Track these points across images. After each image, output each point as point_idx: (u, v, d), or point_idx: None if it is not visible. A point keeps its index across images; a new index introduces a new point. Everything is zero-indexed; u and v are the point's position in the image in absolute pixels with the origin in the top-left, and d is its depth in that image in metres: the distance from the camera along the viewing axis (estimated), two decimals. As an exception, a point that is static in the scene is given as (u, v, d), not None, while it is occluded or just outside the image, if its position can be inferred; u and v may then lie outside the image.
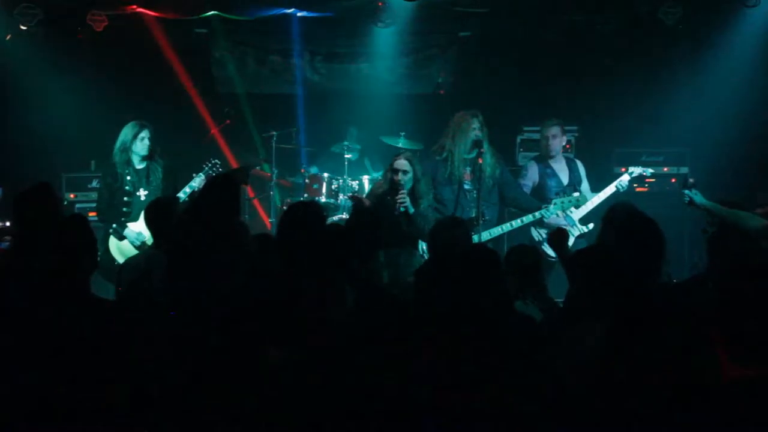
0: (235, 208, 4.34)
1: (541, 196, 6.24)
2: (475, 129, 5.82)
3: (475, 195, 5.81)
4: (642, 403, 2.31)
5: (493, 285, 3.13)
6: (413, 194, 5.68)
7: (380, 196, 5.81)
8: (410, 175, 5.69)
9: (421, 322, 2.83)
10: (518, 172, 6.73)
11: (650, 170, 6.49)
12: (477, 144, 5.78)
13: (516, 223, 5.97)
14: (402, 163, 5.72)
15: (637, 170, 6.35)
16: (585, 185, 6.49)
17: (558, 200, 5.93)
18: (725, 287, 2.44)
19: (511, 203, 6.17)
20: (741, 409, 2.18)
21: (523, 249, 4.40)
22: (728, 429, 2.19)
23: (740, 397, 2.20)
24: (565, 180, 6.38)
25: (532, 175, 6.42)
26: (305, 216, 3.81)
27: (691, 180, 5.27)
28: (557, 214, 6.02)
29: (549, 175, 6.39)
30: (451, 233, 4.28)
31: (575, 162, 6.59)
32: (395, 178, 5.69)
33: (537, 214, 5.92)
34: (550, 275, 6.29)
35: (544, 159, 6.50)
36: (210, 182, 4.58)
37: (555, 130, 6.39)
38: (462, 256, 3.24)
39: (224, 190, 4.34)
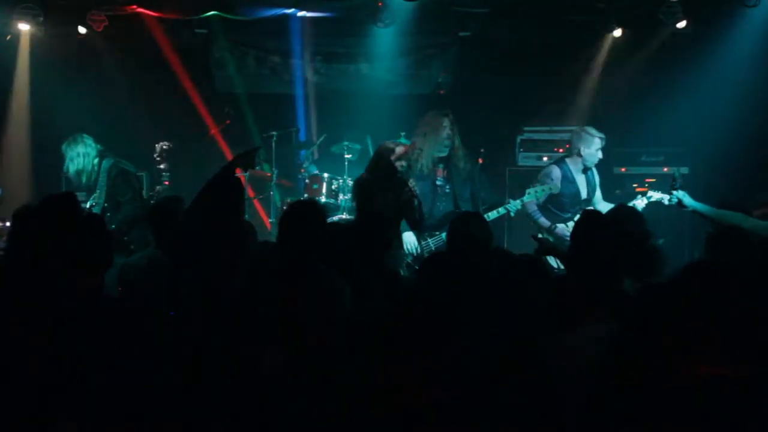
0: (235, 208, 4.33)
1: (557, 203, 6.10)
2: (446, 127, 5.93)
3: (447, 190, 5.99)
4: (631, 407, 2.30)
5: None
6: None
7: (384, 187, 5.68)
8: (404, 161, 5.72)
9: (423, 322, 2.82)
10: (538, 177, 6.44)
11: (669, 196, 5.57)
12: (449, 143, 5.90)
13: (501, 210, 5.92)
14: (402, 150, 5.71)
15: (656, 195, 5.73)
16: (598, 194, 6.33)
17: (531, 189, 5.89)
18: (695, 286, 2.43)
19: (478, 199, 6.19)
20: (709, 410, 2.18)
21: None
22: (696, 429, 2.18)
23: (709, 396, 2.19)
24: (583, 193, 6.15)
25: (556, 182, 6.10)
26: (306, 214, 3.80)
27: (674, 180, 5.02)
28: (566, 225, 5.99)
29: (570, 184, 6.13)
30: (468, 228, 4.27)
31: (591, 170, 6.28)
32: (400, 163, 5.65)
33: (501, 209, 5.87)
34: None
35: (566, 165, 6.18)
36: (210, 181, 4.57)
37: (603, 143, 6.10)
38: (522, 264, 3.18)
39: (224, 190, 4.33)
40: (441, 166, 6.01)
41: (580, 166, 6.17)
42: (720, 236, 4.03)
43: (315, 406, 2.45)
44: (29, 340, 2.64)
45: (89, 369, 2.56)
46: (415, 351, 2.35)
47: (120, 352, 2.64)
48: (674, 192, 4.91)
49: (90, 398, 2.53)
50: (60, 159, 6.18)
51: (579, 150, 6.14)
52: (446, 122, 5.93)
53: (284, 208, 7.67)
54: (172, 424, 2.57)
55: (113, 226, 5.88)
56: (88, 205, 5.94)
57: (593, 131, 6.14)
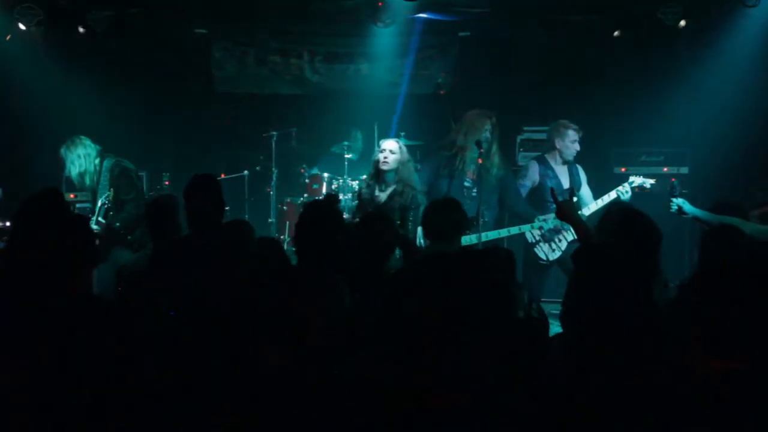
0: (218, 204, 4.32)
1: (539, 198, 6.22)
2: (487, 130, 5.90)
3: (474, 194, 5.88)
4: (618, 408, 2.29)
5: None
6: (397, 178, 5.69)
7: (366, 194, 5.79)
8: (397, 156, 5.68)
9: (418, 321, 2.82)
10: (518, 171, 6.72)
11: (651, 181, 6.28)
12: (479, 144, 5.83)
13: (513, 230, 6.03)
14: (390, 143, 5.70)
15: (637, 180, 6.22)
16: (585, 190, 6.44)
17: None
18: (702, 280, 2.43)
19: (509, 209, 6.20)
20: (721, 402, 2.18)
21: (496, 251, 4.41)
22: (709, 422, 2.18)
23: (721, 389, 2.19)
24: (565, 183, 6.29)
25: (532, 176, 6.36)
26: (325, 216, 3.80)
27: (673, 188, 5.08)
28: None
29: (550, 177, 6.30)
30: (448, 215, 4.27)
31: (576, 166, 6.48)
32: (381, 157, 5.66)
33: (536, 224, 5.96)
34: (546, 277, 6.32)
35: (545, 160, 6.42)
36: (196, 180, 4.55)
37: (578, 135, 6.32)
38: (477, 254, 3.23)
39: (208, 188, 4.34)
40: (472, 168, 5.95)
41: (559, 159, 6.37)
42: (716, 234, 4.03)
43: (315, 407, 2.45)
44: (23, 342, 2.64)
45: (85, 370, 2.56)
46: (415, 352, 2.35)
47: (116, 352, 2.64)
48: (674, 199, 4.95)
49: (88, 399, 2.53)
50: (59, 160, 6.14)
51: (554, 143, 6.36)
52: (488, 125, 5.92)
53: (284, 208, 7.68)
54: (172, 424, 2.57)
55: (117, 225, 5.85)
56: (99, 204, 5.86)
57: (567, 123, 6.33)
